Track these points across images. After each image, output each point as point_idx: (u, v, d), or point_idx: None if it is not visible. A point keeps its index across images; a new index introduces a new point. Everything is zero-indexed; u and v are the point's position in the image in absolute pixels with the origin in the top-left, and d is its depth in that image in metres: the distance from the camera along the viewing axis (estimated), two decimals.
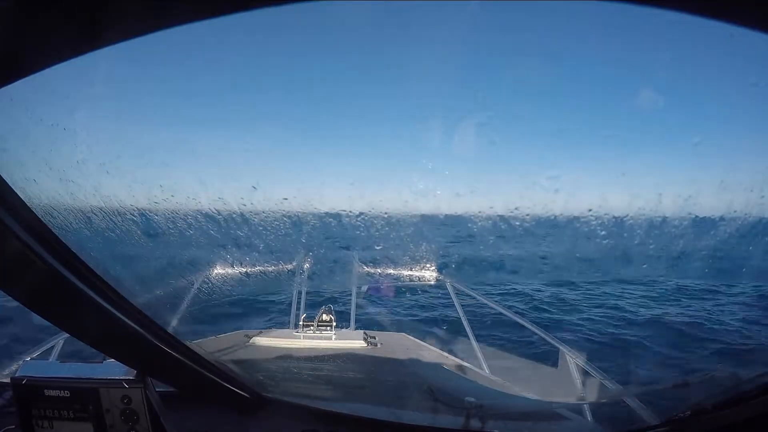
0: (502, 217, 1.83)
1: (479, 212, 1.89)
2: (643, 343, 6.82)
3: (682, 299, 9.50)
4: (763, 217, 1.43)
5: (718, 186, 1.40)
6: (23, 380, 1.14)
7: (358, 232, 2.04)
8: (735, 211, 1.41)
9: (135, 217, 1.48)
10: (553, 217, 1.77)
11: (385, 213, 1.96)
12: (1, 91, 0.66)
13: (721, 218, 1.48)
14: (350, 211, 1.92)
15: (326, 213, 2.07)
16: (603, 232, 1.69)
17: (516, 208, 1.74)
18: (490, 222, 1.89)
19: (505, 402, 2.31)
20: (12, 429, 1.52)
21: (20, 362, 1.28)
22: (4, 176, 0.79)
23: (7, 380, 1.37)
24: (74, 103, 1.15)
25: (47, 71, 0.65)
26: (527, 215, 1.76)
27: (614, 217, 1.65)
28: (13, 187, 0.81)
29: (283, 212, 1.90)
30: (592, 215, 1.66)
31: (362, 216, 1.93)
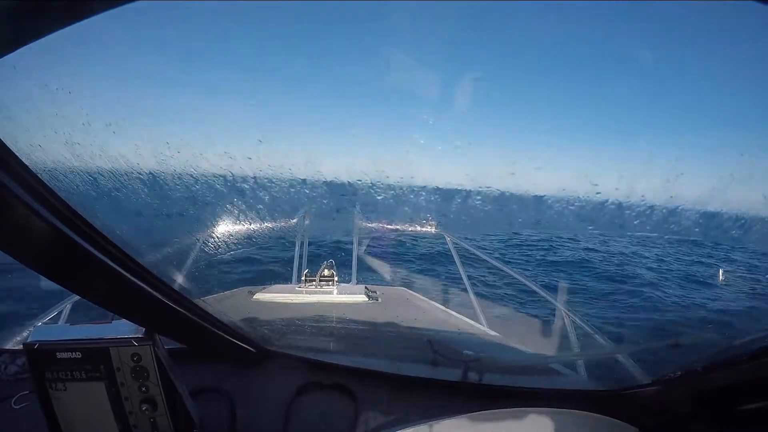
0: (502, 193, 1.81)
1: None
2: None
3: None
4: None
5: None
6: (35, 345, 1.15)
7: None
8: None
9: (141, 175, 1.46)
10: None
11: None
12: (4, 60, 0.65)
13: None
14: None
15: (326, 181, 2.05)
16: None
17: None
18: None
19: (501, 356, 2.38)
20: (27, 394, 1.56)
21: (30, 329, 1.29)
22: (9, 144, 0.78)
23: (20, 347, 1.39)
24: (78, 66, 1.10)
25: (50, 37, 0.64)
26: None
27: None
28: (18, 155, 0.80)
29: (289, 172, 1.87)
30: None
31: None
